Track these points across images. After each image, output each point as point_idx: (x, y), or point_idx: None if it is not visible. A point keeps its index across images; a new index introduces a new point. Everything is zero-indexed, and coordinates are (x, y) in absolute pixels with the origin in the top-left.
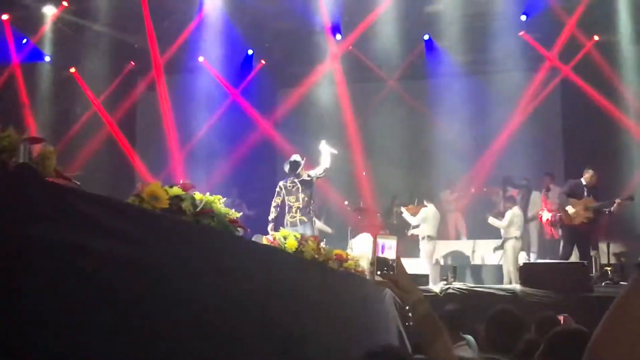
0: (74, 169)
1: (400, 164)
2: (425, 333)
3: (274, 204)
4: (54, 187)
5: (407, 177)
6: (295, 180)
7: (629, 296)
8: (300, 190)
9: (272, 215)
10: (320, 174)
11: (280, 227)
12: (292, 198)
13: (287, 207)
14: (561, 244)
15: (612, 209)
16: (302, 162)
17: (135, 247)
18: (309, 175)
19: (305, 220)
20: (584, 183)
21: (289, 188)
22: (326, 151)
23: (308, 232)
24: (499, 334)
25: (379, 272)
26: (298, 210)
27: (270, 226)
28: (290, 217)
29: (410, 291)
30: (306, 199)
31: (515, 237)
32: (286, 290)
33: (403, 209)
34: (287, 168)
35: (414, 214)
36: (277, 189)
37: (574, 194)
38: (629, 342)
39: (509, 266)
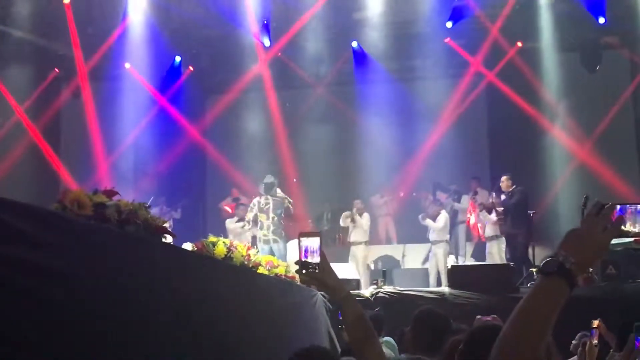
0: None
1: (330, 170)
2: (354, 332)
3: (246, 218)
4: None
5: (338, 183)
6: (270, 198)
7: (533, 298)
8: (271, 209)
9: (248, 227)
10: (291, 202)
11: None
12: (263, 216)
13: (259, 224)
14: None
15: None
16: (276, 181)
17: (56, 254)
18: (284, 197)
19: (278, 239)
20: (502, 190)
21: (261, 206)
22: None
23: (281, 250)
24: (425, 335)
25: (303, 271)
26: (269, 229)
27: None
28: (263, 235)
29: (336, 289)
30: (275, 218)
31: (446, 240)
32: (214, 297)
33: (359, 216)
34: (262, 189)
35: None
36: (251, 205)
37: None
38: (533, 340)
39: (440, 269)
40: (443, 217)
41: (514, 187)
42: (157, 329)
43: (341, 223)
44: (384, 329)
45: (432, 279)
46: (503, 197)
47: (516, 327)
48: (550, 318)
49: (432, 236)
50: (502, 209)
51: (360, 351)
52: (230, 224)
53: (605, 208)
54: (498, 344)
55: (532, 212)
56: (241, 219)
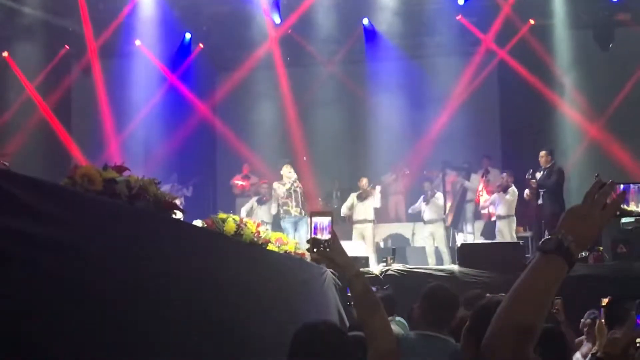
0: (6, 154)
1: (340, 148)
2: (363, 309)
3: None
4: None
5: (347, 161)
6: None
7: (531, 276)
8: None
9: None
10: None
11: None
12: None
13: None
14: None
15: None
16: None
17: (65, 229)
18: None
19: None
20: (540, 165)
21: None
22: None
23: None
24: (433, 311)
25: (314, 250)
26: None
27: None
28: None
29: (346, 267)
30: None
31: (443, 219)
32: (224, 273)
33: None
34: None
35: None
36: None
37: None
38: (529, 317)
39: (441, 248)
40: (441, 194)
41: (552, 162)
42: (166, 305)
43: (346, 204)
44: (395, 308)
45: (432, 259)
46: (539, 173)
47: (513, 303)
48: (548, 295)
49: (427, 216)
50: (536, 185)
51: (367, 324)
52: (245, 205)
53: (606, 186)
54: (494, 321)
55: (542, 190)
56: (261, 198)
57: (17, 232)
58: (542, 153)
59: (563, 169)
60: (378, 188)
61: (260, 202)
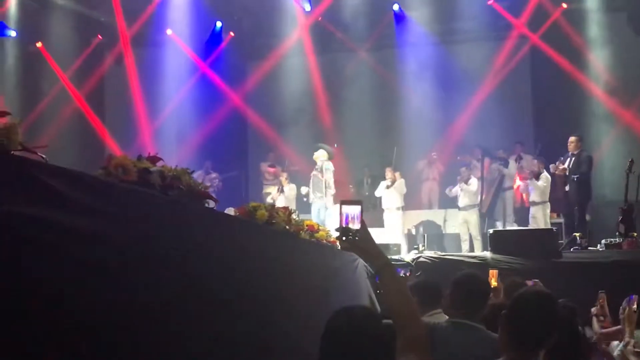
0: (42, 144)
1: (371, 135)
2: (392, 297)
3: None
4: (18, 160)
5: (378, 148)
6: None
7: None
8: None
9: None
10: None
11: None
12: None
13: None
14: None
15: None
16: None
17: (101, 220)
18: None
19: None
20: (569, 152)
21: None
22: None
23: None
24: (464, 298)
25: (344, 239)
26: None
27: None
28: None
29: (375, 256)
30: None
31: (477, 205)
32: (256, 261)
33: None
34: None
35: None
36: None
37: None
38: None
39: (473, 234)
40: (475, 181)
41: (581, 149)
42: (199, 293)
43: (376, 194)
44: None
45: (465, 245)
46: (567, 160)
47: None
48: None
49: (462, 202)
50: (566, 171)
51: (396, 312)
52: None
53: None
54: None
55: (575, 176)
56: (281, 186)
57: (52, 222)
58: (572, 139)
59: (592, 156)
60: (398, 174)
61: (281, 190)
